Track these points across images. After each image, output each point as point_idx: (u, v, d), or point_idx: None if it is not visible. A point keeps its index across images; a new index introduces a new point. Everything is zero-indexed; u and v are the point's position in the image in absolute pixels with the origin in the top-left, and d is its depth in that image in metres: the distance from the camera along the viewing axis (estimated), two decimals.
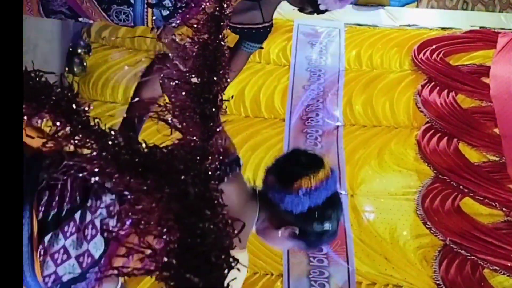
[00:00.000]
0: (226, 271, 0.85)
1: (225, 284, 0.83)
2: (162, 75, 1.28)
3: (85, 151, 1.05)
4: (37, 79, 1.15)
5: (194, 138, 1.08)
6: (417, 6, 5.42)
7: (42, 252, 1.31)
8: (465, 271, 3.09)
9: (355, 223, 3.33)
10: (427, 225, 3.27)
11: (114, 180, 1.00)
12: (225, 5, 1.37)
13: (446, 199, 3.35)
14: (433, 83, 4.03)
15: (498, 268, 3.09)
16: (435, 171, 3.50)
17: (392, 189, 3.48)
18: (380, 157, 3.64)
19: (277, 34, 4.29)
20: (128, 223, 0.95)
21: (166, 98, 1.27)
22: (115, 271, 0.90)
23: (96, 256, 1.35)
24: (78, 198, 1.33)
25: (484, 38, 4.37)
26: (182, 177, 0.97)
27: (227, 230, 0.92)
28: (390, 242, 3.25)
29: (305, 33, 4.45)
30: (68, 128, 1.07)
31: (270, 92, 4.02)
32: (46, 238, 1.31)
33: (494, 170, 3.52)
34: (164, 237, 0.90)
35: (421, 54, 4.19)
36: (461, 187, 3.39)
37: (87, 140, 1.05)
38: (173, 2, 1.95)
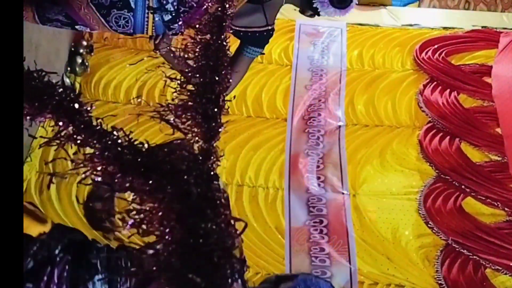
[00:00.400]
0: (228, 271, 0.85)
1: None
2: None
3: (88, 150, 1.06)
4: (40, 79, 1.15)
5: (197, 138, 1.08)
6: (419, 6, 5.41)
7: None
8: (467, 271, 3.08)
9: (357, 222, 3.32)
10: (429, 225, 3.27)
11: (116, 180, 1.01)
12: (227, 6, 1.37)
13: (448, 198, 3.35)
14: (435, 82, 4.03)
15: (500, 268, 3.09)
16: (437, 171, 3.50)
17: (394, 189, 3.48)
18: (382, 157, 3.64)
19: (279, 34, 4.28)
20: (130, 223, 0.95)
21: (168, 98, 1.27)
22: None
23: None
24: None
25: (486, 38, 4.36)
26: (185, 177, 0.97)
27: (230, 230, 0.92)
28: (392, 242, 3.25)
29: (307, 33, 4.45)
30: (70, 128, 1.07)
31: (272, 92, 4.02)
32: None
33: (496, 170, 3.52)
34: (166, 237, 0.90)
35: (423, 54, 4.19)
36: (463, 186, 3.39)
37: (90, 140, 1.05)
38: (176, 7, 1.94)
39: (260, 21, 2.16)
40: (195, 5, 1.83)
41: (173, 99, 1.19)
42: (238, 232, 0.93)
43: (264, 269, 3.16)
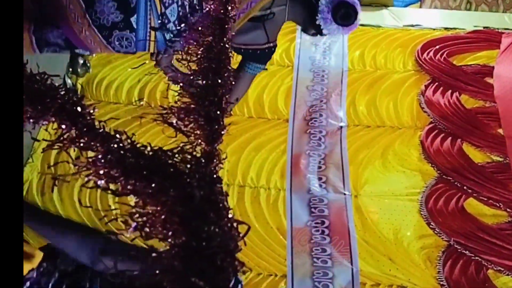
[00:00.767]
0: (231, 274, 0.85)
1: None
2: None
3: (90, 154, 1.06)
4: (42, 81, 1.15)
5: (199, 140, 1.08)
6: (420, 7, 5.41)
7: None
8: (469, 272, 3.08)
9: (359, 223, 3.32)
10: (431, 226, 3.27)
11: (119, 183, 1.01)
12: (229, 8, 1.37)
13: (450, 199, 3.34)
14: (437, 83, 4.02)
15: (502, 269, 3.08)
16: (438, 172, 3.50)
17: (396, 190, 3.47)
18: (384, 158, 3.64)
19: (281, 35, 4.25)
20: (133, 226, 0.95)
21: (171, 100, 1.27)
22: None
23: None
24: None
25: (488, 38, 4.35)
26: (187, 180, 0.97)
27: (233, 233, 0.92)
28: (394, 243, 3.25)
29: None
30: (73, 131, 1.07)
31: (274, 93, 4.02)
32: None
33: (498, 170, 3.51)
34: (169, 240, 0.90)
35: (425, 54, 4.18)
36: (465, 187, 3.38)
37: (92, 143, 1.05)
38: (177, 26, 1.92)
39: (261, 38, 2.15)
40: (197, 23, 1.81)
41: (176, 102, 1.19)
42: (241, 235, 0.93)
43: (265, 270, 3.17)
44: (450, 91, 3.94)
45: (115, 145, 1.03)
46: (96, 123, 1.10)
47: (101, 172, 1.01)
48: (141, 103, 3.82)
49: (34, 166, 3.46)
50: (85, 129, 1.06)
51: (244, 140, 3.70)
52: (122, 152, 1.02)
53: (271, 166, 3.59)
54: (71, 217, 3.27)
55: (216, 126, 1.11)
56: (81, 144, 1.05)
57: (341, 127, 3.83)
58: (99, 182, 1.03)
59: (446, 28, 4.52)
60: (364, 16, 4.58)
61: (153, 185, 0.97)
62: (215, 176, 1.01)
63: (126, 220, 0.95)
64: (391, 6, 4.82)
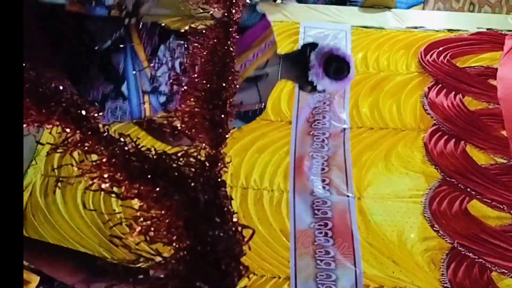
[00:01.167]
0: (236, 278, 0.85)
1: None
2: None
3: (94, 157, 1.05)
4: (46, 85, 1.15)
5: (204, 144, 1.08)
6: (423, 8, 5.41)
7: None
8: (473, 274, 3.07)
9: (362, 226, 3.32)
10: (434, 228, 3.26)
11: (123, 187, 1.00)
12: (233, 11, 1.36)
13: (454, 201, 3.34)
14: (440, 85, 4.02)
15: (506, 271, 3.07)
16: (442, 174, 3.49)
17: (399, 192, 3.47)
18: (387, 160, 3.63)
19: (284, 36, 4.28)
20: (137, 230, 0.95)
21: None
22: None
23: None
24: None
25: (491, 40, 4.35)
26: (192, 184, 0.97)
27: (237, 237, 0.92)
28: (397, 245, 3.25)
29: (311, 36, 4.44)
30: (77, 135, 1.07)
31: (277, 95, 4.01)
32: None
33: (501, 172, 3.50)
34: (174, 244, 0.90)
35: (428, 56, 4.18)
36: (468, 189, 3.37)
37: (97, 146, 1.05)
38: (169, 88, 1.85)
39: (253, 97, 2.09)
40: (188, 84, 1.73)
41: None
42: (245, 239, 0.92)
43: (269, 272, 3.16)
44: (453, 93, 3.94)
45: (120, 149, 1.03)
46: (100, 126, 1.10)
47: (106, 175, 1.01)
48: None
49: (38, 168, 3.47)
50: (89, 133, 1.06)
51: (247, 142, 3.70)
52: (126, 155, 1.02)
53: (274, 168, 3.60)
54: (74, 219, 3.28)
55: (221, 130, 1.11)
56: (86, 148, 1.05)
57: (344, 129, 3.83)
58: (103, 186, 1.03)
59: (449, 30, 4.51)
60: (367, 18, 4.62)
61: (157, 189, 0.96)
62: (219, 180, 1.01)
63: (131, 224, 0.95)
64: (394, 8, 4.82)
